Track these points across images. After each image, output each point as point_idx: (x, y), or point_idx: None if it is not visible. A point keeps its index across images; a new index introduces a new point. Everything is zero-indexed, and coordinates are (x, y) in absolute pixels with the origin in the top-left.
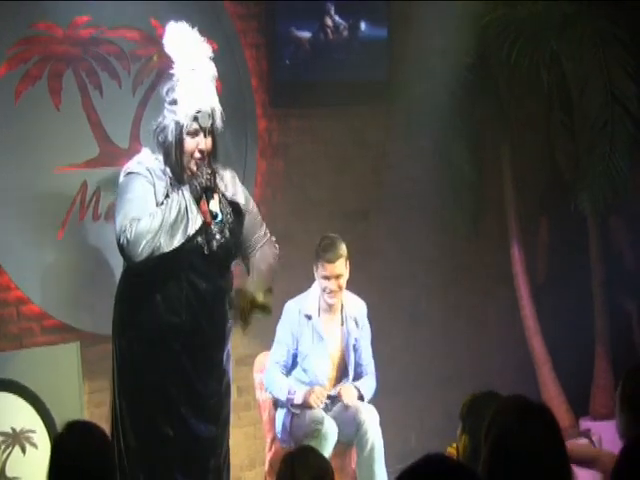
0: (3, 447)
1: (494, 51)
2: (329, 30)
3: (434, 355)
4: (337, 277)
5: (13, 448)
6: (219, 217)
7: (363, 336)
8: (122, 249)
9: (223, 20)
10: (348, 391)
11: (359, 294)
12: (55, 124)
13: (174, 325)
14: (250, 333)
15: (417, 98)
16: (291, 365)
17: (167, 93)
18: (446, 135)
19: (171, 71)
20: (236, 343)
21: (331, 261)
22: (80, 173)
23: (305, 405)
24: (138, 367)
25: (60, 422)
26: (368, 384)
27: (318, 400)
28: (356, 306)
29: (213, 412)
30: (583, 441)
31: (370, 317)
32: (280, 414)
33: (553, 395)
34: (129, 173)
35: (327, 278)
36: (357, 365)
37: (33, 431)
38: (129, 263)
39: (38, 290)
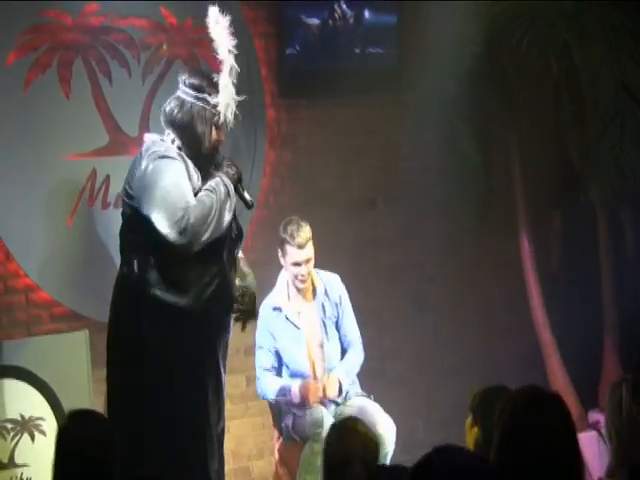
0: (12, 434)
1: (504, 40)
2: (338, 19)
3: (441, 345)
4: (307, 261)
5: (22, 435)
6: (252, 205)
7: (344, 310)
8: (179, 237)
9: (232, 9)
10: (329, 387)
11: (366, 283)
12: (64, 112)
13: (206, 311)
14: None
15: (426, 87)
16: (279, 366)
17: (192, 78)
18: (454, 125)
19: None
20: (244, 333)
21: (301, 246)
22: (89, 161)
23: (305, 403)
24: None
25: (68, 410)
26: (350, 364)
27: (314, 397)
28: (329, 283)
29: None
30: (592, 433)
31: (376, 307)
32: (281, 416)
33: (561, 387)
34: (162, 157)
35: (298, 264)
36: (342, 341)
37: (42, 419)
38: (186, 250)
39: (47, 278)
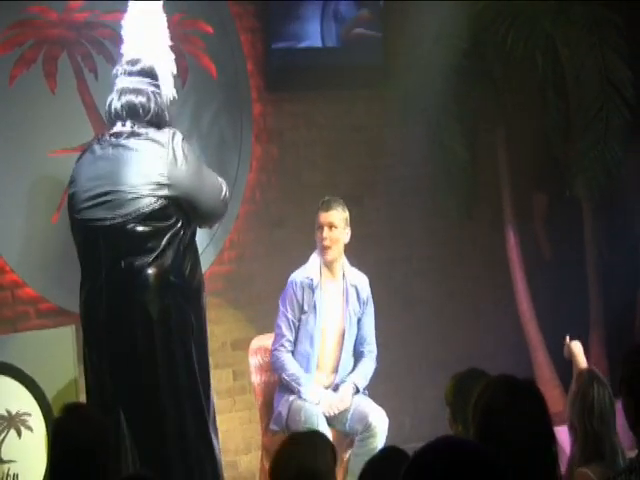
0: None
1: (489, 36)
2: (324, 14)
3: (428, 339)
4: (330, 226)
5: (9, 431)
6: None
7: (367, 312)
8: (224, 208)
9: (218, 4)
10: (341, 401)
11: None
12: (50, 108)
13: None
14: (245, 318)
15: (412, 83)
16: (295, 340)
17: (142, 63)
18: (441, 120)
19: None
20: (231, 327)
21: (326, 210)
22: (75, 157)
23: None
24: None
25: (55, 405)
26: (365, 372)
27: (315, 398)
28: (358, 277)
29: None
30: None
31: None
32: (277, 399)
33: (547, 379)
34: (183, 140)
35: (321, 227)
36: (359, 342)
37: (29, 414)
38: (221, 219)
39: (33, 274)
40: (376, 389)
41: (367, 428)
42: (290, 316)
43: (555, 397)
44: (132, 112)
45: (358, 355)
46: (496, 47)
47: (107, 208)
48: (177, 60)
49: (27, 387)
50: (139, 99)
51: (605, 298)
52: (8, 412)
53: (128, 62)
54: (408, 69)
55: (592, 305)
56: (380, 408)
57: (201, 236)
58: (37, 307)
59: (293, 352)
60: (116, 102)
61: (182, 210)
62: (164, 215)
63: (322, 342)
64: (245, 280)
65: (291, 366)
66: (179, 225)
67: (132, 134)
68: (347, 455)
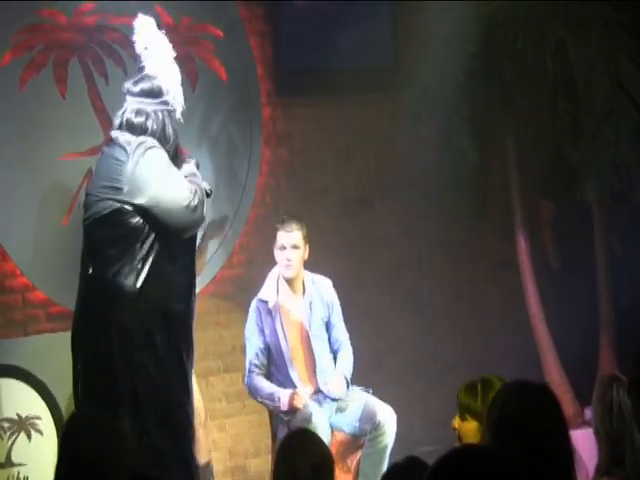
0: (9, 433)
1: (499, 38)
2: (334, 17)
3: (438, 342)
4: (293, 247)
5: (19, 434)
6: (211, 193)
7: (334, 312)
8: (193, 214)
9: (228, 7)
10: (337, 386)
11: (362, 281)
12: (60, 112)
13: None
14: None
15: (422, 85)
16: (268, 362)
17: (144, 83)
18: (451, 122)
19: (146, 63)
20: (241, 331)
21: (289, 230)
22: (85, 160)
23: (292, 409)
24: None
25: (65, 409)
26: (348, 364)
27: (300, 402)
28: (322, 285)
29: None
30: (588, 430)
31: (373, 304)
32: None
33: (557, 383)
34: (151, 147)
35: (284, 248)
36: (333, 342)
37: (39, 417)
38: (194, 229)
39: (43, 277)
40: (385, 391)
41: (376, 427)
42: (255, 341)
43: (565, 401)
44: (131, 130)
45: (334, 353)
46: (506, 49)
47: (85, 210)
48: (187, 64)
49: (37, 390)
50: (137, 119)
51: (615, 301)
52: (18, 415)
53: (132, 82)
54: (418, 71)
55: (602, 308)
56: (388, 406)
57: (211, 240)
58: (47, 310)
59: (269, 376)
60: (118, 119)
61: (146, 217)
62: (123, 221)
63: (296, 358)
64: (255, 284)
65: (263, 384)
66: (144, 232)
67: (110, 139)
68: (358, 457)
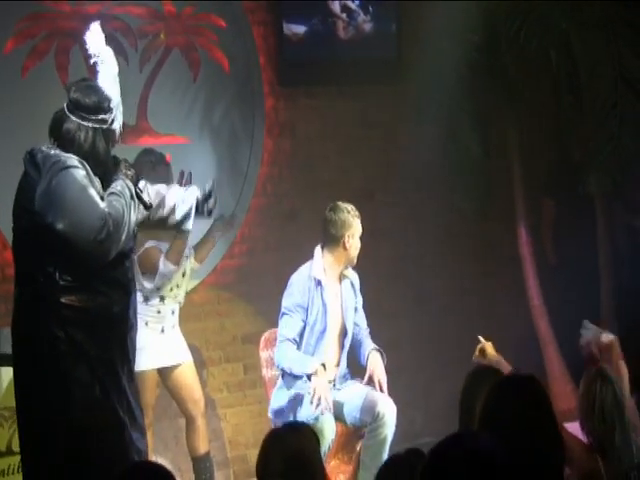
0: (9, 422)
1: (503, 32)
2: (337, 8)
3: (440, 335)
4: (359, 235)
5: None
6: (151, 206)
7: (359, 300)
8: (100, 246)
9: None
10: (377, 364)
11: (365, 275)
12: (62, 99)
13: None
14: (256, 311)
15: (426, 78)
16: (300, 339)
17: (85, 98)
18: (454, 115)
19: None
20: (242, 321)
21: (358, 217)
22: None
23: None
24: None
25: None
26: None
27: (323, 375)
28: (352, 273)
29: None
30: None
31: (376, 297)
32: (279, 395)
33: (558, 376)
34: (66, 168)
35: (353, 236)
36: (356, 330)
37: None
38: (102, 261)
39: None
40: (388, 385)
41: (376, 418)
42: (295, 317)
43: (567, 393)
44: (58, 139)
45: (356, 338)
46: (510, 43)
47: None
48: (189, 53)
49: None
50: (66, 131)
51: (617, 295)
52: None
53: (77, 90)
54: (422, 64)
55: (604, 302)
56: (388, 397)
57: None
58: None
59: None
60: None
61: (57, 239)
62: (35, 243)
63: (327, 339)
64: (256, 274)
65: (295, 362)
66: (50, 258)
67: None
68: (358, 448)
